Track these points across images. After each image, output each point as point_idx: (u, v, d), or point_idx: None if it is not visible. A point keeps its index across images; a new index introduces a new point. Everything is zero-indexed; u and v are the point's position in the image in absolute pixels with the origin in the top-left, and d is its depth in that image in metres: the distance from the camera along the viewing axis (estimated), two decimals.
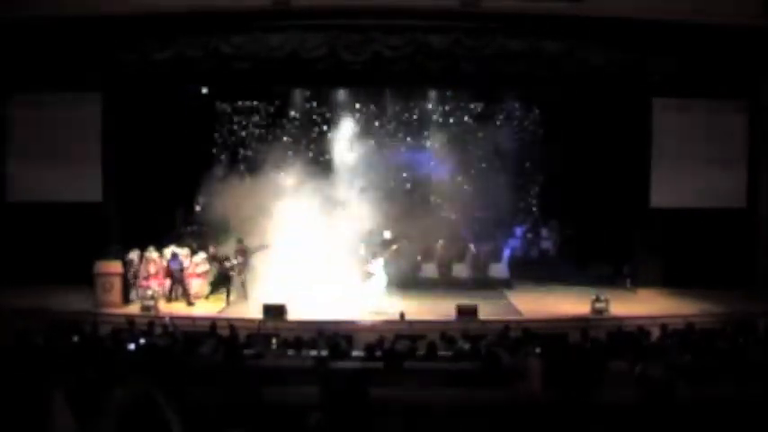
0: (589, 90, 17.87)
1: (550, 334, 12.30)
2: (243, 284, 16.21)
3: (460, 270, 18.66)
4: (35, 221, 17.39)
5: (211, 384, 4.78)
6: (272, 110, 20.99)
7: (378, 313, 14.77)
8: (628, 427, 4.81)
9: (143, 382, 2.92)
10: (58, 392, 3.65)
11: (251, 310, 14.90)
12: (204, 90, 20.00)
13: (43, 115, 17.70)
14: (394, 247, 17.53)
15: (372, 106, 20.85)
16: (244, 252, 16.32)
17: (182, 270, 16.07)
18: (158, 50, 15.96)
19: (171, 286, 16.00)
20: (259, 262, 16.32)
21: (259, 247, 16.46)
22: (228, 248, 16.70)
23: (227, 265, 16.07)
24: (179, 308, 15.45)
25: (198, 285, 16.32)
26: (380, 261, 15.94)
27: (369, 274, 15.68)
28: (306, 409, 3.72)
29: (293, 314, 14.32)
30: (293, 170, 17.90)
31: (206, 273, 16.53)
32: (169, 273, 16.07)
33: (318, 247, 16.16)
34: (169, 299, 15.86)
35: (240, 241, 16.49)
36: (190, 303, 15.75)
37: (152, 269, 16.05)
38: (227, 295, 15.96)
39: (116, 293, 15.26)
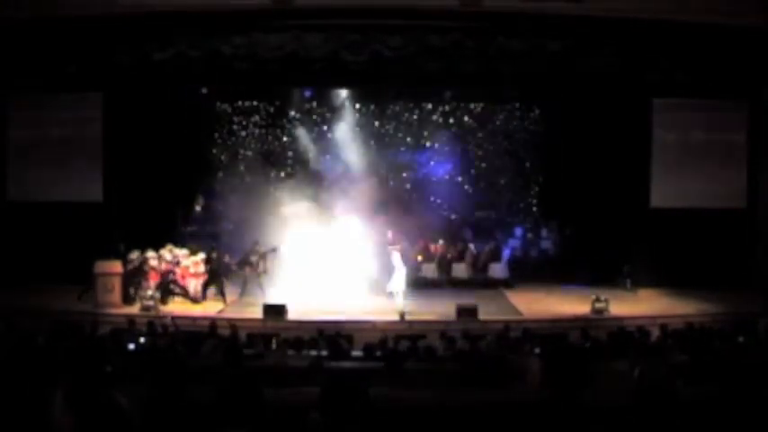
0: (589, 90, 17.87)
1: (550, 334, 12.30)
2: (260, 286, 16.30)
3: (460, 270, 18.66)
4: (35, 221, 17.39)
5: (211, 384, 4.77)
6: (272, 110, 20.98)
7: (399, 312, 14.71)
8: (627, 427, 4.81)
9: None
10: (58, 392, 3.65)
11: (252, 309, 14.93)
12: (204, 90, 19.97)
13: (43, 115, 17.72)
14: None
15: (372, 106, 20.84)
16: (259, 253, 16.41)
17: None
18: (158, 50, 15.95)
19: (205, 285, 16.04)
20: (270, 264, 16.44)
21: (270, 250, 16.60)
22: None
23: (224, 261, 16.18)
24: (179, 308, 15.44)
25: (194, 285, 16.29)
26: (397, 255, 15.91)
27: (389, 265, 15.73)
28: (306, 409, 3.72)
29: (293, 314, 14.34)
30: (292, 170, 17.94)
31: (204, 273, 16.51)
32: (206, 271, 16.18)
33: (323, 247, 16.19)
34: (203, 298, 15.91)
35: (255, 243, 16.58)
36: (195, 301, 15.80)
37: (153, 266, 16.05)
38: (222, 294, 15.97)
39: (116, 293, 15.26)
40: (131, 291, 15.66)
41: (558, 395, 4.71)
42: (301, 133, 20.61)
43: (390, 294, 15.36)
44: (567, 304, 15.93)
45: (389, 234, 17.81)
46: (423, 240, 19.09)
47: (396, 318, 14.30)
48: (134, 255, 16.08)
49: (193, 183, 19.28)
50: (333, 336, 11.45)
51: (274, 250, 16.83)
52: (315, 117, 20.83)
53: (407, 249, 17.95)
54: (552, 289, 17.70)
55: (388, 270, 15.72)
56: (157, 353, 8.85)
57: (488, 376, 6.61)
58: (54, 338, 9.84)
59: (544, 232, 20.28)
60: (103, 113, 17.78)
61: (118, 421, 3.19)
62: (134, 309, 14.97)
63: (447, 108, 21.07)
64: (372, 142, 20.37)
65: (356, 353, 10.13)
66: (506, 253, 19.32)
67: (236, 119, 21.00)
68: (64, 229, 17.22)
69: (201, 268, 16.34)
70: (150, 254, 16.09)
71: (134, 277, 15.83)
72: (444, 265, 18.66)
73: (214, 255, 16.50)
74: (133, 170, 17.99)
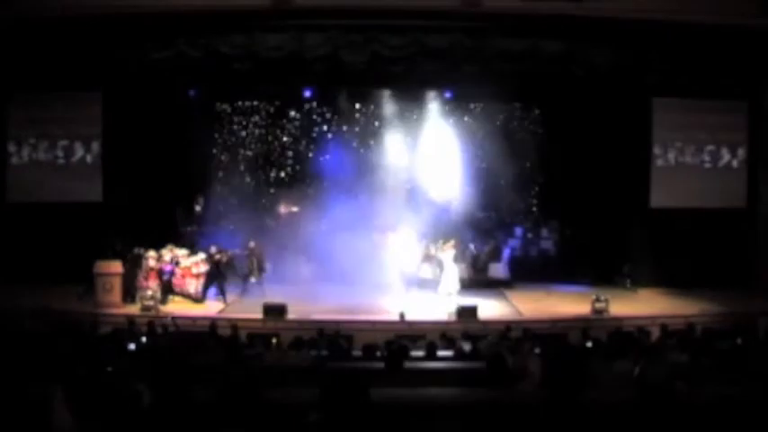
0: (589, 90, 17.87)
1: (550, 334, 12.31)
2: (260, 286, 16.34)
3: (461, 270, 18.64)
4: (35, 221, 17.38)
5: (211, 384, 4.78)
6: (272, 110, 20.97)
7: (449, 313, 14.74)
8: (627, 427, 4.82)
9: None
10: (58, 392, 3.65)
11: (252, 309, 14.93)
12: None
13: (43, 115, 17.72)
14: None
15: (372, 106, 20.81)
16: (256, 252, 16.41)
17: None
18: (158, 50, 15.96)
19: (206, 285, 16.04)
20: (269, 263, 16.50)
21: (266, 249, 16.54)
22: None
23: (219, 260, 16.23)
24: (179, 308, 15.44)
25: (194, 286, 16.29)
26: (450, 253, 15.99)
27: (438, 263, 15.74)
28: (306, 409, 3.72)
29: (293, 314, 14.34)
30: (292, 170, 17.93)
31: (204, 273, 16.50)
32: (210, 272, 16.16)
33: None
34: (204, 298, 15.92)
35: (252, 242, 16.57)
36: (196, 301, 15.80)
37: (152, 266, 16.05)
38: (223, 294, 15.97)
39: (116, 293, 15.26)
40: (133, 282, 15.62)
41: (558, 395, 4.71)
42: (301, 133, 20.59)
43: (447, 296, 15.61)
44: (567, 304, 15.93)
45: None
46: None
47: (396, 318, 14.30)
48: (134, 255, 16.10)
49: (193, 183, 19.26)
50: (333, 336, 11.45)
51: (271, 249, 16.80)
52: (314, 117, 20.80)
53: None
54: (552, 289, 17.71)
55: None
56: (157, 353, 8.84)
57: (488, 376, 6.60)
58: (54, 338, 9.84)
59: (544, 232, 20.27)
60: (103, 113, 17.78)
61: (117, 420, 3.19)
62: (134, 309, 14.97)
63: (447, 108, 21.04)
64: (372, 142, 20.36)
65: (356, 353, 10.13)
66: (506, 253, 19.32)
67: (236, 119, 20.97)
68: (64, 229, 17.22)
69: (202, 268, 16.33)
70: (150, 253, 16.10)
71: (132, 274, 15.80)
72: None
73: (215, 254, 16.49)
74: (133, 170, 17.98)
